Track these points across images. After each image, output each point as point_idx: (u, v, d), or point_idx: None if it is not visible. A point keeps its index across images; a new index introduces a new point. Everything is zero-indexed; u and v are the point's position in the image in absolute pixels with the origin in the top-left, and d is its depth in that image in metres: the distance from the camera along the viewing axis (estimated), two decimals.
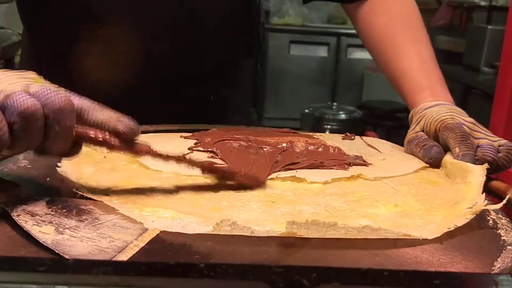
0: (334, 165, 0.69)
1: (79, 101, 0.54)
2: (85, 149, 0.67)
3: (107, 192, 0.59)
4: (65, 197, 0.57)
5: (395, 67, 0.89)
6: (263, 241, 0.50)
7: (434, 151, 0.71)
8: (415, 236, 0.52)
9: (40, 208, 0.54)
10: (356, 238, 0.51)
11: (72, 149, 0.55)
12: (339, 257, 0.49)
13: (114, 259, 0.45)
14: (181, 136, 0.79)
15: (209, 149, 0.73)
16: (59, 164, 0.64)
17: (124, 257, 0.46)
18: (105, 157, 0.68)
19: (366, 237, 0.51)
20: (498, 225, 0.57)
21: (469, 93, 2.55)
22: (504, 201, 0.59)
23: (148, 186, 0.61)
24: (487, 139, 0.70)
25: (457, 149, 0.68)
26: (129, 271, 0.33)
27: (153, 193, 0.59)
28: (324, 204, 0.58)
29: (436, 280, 0.33)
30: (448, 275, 0.35)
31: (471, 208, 0.57)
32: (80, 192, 0.57)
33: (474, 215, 0.56)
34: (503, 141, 0.70)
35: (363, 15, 0.96)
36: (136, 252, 0.47)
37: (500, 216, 0.59)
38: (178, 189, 0.61)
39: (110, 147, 0.55)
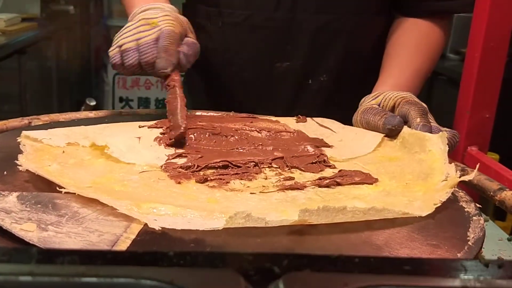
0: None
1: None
2: (41, 144, 0.64)
3: (91, 188, 0.55)
4: (34, 192, 0.54)
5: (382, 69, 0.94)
6: (272, 231, 0.49)
7: (398, 120, 0.75)
8: (413, 214, 0.53)
9: (12, 204, 0.51)
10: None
11: None
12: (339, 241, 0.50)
13: None
14: (140, 126, 0.74)
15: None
16: (17, 161, 0.58)
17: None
18: (64, 152, 0.64)
19: (370, 218, 0.52)
20: (458, 198, 0.61)
21: (435, 79, 2.58)
22: (474, 173, 0.61)
23: (129, 180, 0.59)
24: (436, 125, 0.75)
25: (418, 119, 0.72)
26: (96, 260, 0.32)
27: (139, 188, 0.57)
28: (311, 188, 0.60)
29: (407, 266, 0.33)
30: (418, 261, 0.35)
31: (446, 180, 0.59)
32: (66, 190, 0.52)
33: (453, 189, 0.59)
34: (449, 130, 0.75)
35: (395, 23, 0.99)
36: (130, 245, 0.46)
37: (457, 189, 0.62)
38: (161, 182, 0.59)
39: None
